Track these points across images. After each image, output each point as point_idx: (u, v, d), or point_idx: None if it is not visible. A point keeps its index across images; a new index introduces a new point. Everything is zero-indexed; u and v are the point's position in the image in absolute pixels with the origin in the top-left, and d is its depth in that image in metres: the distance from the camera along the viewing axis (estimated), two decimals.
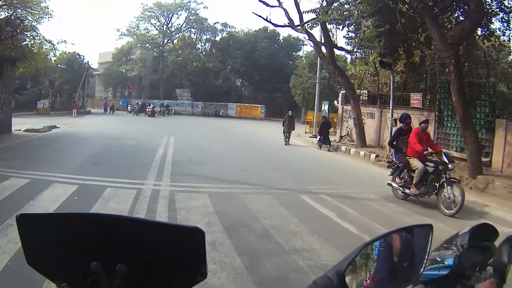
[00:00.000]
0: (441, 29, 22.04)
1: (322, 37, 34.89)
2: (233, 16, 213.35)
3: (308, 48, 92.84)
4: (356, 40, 30.17)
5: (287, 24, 35.62)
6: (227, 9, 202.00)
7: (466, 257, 2.11)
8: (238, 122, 69.14)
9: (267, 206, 12.46)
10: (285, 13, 34.74)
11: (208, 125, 55.47)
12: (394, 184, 15.06)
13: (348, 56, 49.26)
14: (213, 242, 8.72)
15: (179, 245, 1.56)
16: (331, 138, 34.52)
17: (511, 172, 19.55)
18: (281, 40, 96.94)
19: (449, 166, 13.66)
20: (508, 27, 23.47)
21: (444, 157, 14.17)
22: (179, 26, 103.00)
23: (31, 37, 36.97)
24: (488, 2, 22.66)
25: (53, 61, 62.53)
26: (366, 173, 21.65)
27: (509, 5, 22.84)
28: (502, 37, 24.93)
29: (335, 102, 43.52)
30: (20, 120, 40.32)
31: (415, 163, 14.21)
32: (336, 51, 36.74)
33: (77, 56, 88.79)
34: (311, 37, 34.88)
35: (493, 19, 23.67)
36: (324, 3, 30.54)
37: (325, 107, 37.21)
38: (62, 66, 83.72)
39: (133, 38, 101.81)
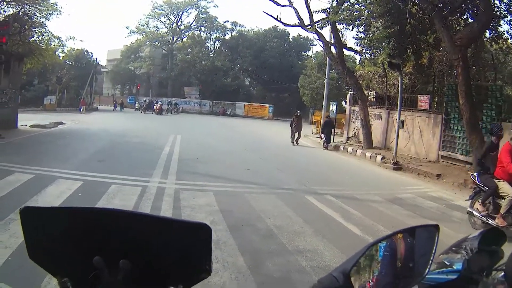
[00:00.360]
0: (450, 31, 22.08)
1: (332, 37, 34.97)
2: (243, 15, 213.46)
3: (317, 48, 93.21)
4: (366, 40, 30.12)
5: (297, 23, 35.68)
6: (237, 7, 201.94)
7: (475, 261, 2.08)
8: (246, 121, 69.27)
9: (272, 206, 12.47)
10: (295, 12, 34.77)
11: (215, 124, 55.53)
12: (475, 213, 12.13)
13: (357, 57, 49.44)
14: (217, 240, 8.72)
15: (185, 241, 1.58)
16: (338, 139, 34.82)
17: None
18: (291, 40, 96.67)
19: None
20: None
21: None
22: (189, 24, 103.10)
23: (39, 33, 37.05)
24: (496, 4, 22.69)
25: (61, 58, 62.60)
26: (372, 174, 21.60)
27: None
28: (510, 40, 24.96)
29: (343, 102, 43.49)
30: (26, 116, 40.46)
31: (506, 188, 11.29)
32: (345, 52, 36.73)
33: (85, 53, 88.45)
34: (320, 37, 34.90)
35: (501, 21, 23.68)
36: (335, 3, 30.45)
37: (333, 107, 37.13)
38: (70, 63, 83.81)
39: (142, 35, 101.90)
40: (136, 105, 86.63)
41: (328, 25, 32.97)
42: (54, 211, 1.72)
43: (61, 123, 39.68)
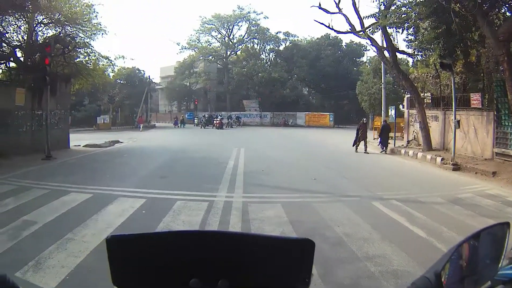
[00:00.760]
0: (492, 26, 21.98)
1: (384, 41, 34.92)
2: (294, 24, 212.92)
3: (370, 53, 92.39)
4: (416, 42, 29.99)
5: (349, 30, 35.44)
6: (287, 18, 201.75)
7: None
8: (307, 131, 68.93)
9: (340, 214, 12.46)
10: (346, 19, 34.55)
11: (277, 135, 55.47)
12: None
13: (410, 59, 49.03)
14: None
15: (288, 257, 1.64)
16: (399, 142, 34.90)
17: None
18: (344, 47, 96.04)
19: None
20: None
21: None
22: (241, 38, 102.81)
23: (86, 54, 37.14)
24: None
25: (111, 77, 63.41)
26: (433, 176, 21.41)
27: None
28: None
29: (401, 106, 43.20)
30: (78, 136, 41.66)
31: None
32: (398, 55, 36.39)
33: (137, 71, 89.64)
34: (373, 42, 34.70)
35: None
36: (382, 7, 30.54)
37: (392, 112, 36.84)
38: (121, 82, 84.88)
39: (194, 51, 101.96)
40: (195, 120, 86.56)
41: (379, 29, 32.76)
42: (144, 237, 1.73)
43: (117, 141, 40.21)
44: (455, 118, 23.94)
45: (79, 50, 36.27)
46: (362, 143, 32.91)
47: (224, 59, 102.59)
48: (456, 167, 22.75)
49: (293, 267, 1.65)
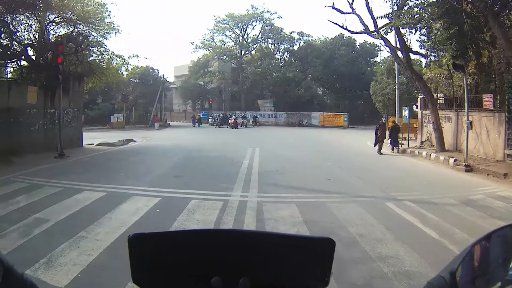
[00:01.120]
0: (503, 27, 22.05)
1: (397, 41, 34.91)
2: (308, 24, 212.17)
3: (384, 53, 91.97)
4: (429, 43, 30.02)
5: (362, 30, 35.52)
6: (301, 18, 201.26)
7: None
8: (322, 131, 68.85)
9: (354, 214, 12.50)
10: (359, 19, 34.63)
11: (292, 135, 55.26)
12: None
13: (423, 60, 48.98)
14: None
15: (308, 256, 1.70)
16: (412, 143, 35.10)
17: None
18: (358, 47, 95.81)
19: None
20: None
21: None
22: (255, 37, 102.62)
23: (99, 53, 37.33)
24: None
25: (125, 76, 63.77)
26: (446, 178, 21.39)
27: None
28: None
29: (414, 107, 43.08)
30: (92, 134, 41.92)
31: None
32: (412, 55, 36.29)
33: (151, 69, 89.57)
34: (387, 42, 34.68)
35: None
36: (395, 7, 30.62)
37: (405, 112, 36.69)
38: (135, 80, 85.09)
39: (208, 50, 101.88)
40: (210, 119, 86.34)
41: (392, 30, 32.75)
42: (165, 236, 1.80)
43: (131, 140, 40.27)
44: (467, 119, 23.96)
45: (92, 48, 36.55)
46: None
47: (239, 59, 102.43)
48: (469, 169, 22.74)
49: (313, 265, 1.72)
